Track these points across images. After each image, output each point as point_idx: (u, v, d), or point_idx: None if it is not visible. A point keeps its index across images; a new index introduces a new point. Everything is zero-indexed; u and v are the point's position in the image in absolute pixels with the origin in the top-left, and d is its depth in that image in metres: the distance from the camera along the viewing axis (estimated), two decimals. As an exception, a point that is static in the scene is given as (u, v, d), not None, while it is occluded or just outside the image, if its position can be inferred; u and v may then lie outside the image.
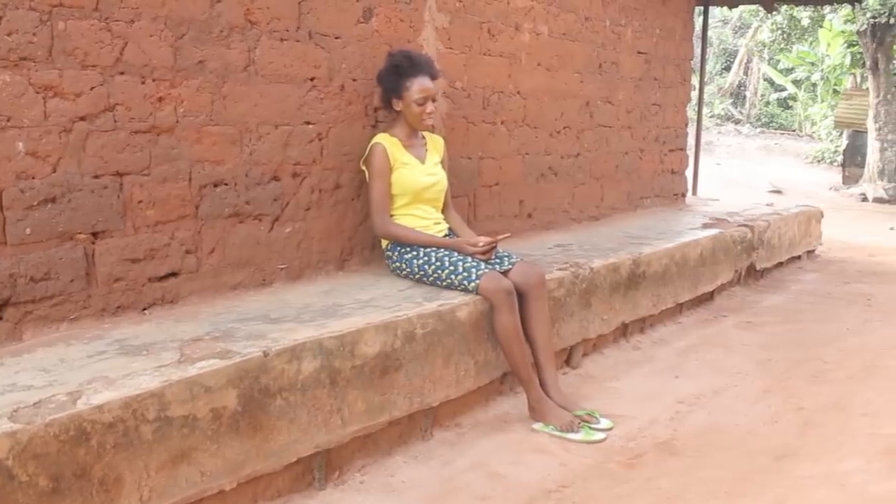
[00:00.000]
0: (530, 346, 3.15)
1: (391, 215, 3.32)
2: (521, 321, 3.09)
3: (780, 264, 6.19)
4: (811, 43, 18.33)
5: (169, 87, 2.74)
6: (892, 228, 9.39)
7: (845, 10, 14.05)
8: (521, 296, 3.12)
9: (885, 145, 12.73)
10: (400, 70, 3.31)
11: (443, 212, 3.50)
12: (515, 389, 3.33)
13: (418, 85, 3.28)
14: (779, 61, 21.27)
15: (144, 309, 2.75)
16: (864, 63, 13.61)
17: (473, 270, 3.08)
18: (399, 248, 3.31)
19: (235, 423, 2.22)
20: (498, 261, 3.24)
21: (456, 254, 3.18)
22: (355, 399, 2.58)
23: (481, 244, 3.18)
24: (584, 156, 5.23)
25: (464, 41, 4.08)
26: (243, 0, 2.95)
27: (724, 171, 14.52)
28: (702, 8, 7.72)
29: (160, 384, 2.05)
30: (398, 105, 3.34)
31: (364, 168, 3.37)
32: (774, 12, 10.17)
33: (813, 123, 19.44)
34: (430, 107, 3.30)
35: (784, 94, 21.73)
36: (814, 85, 20.05)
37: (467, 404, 3.15)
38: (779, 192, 12.97)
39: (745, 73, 23.29)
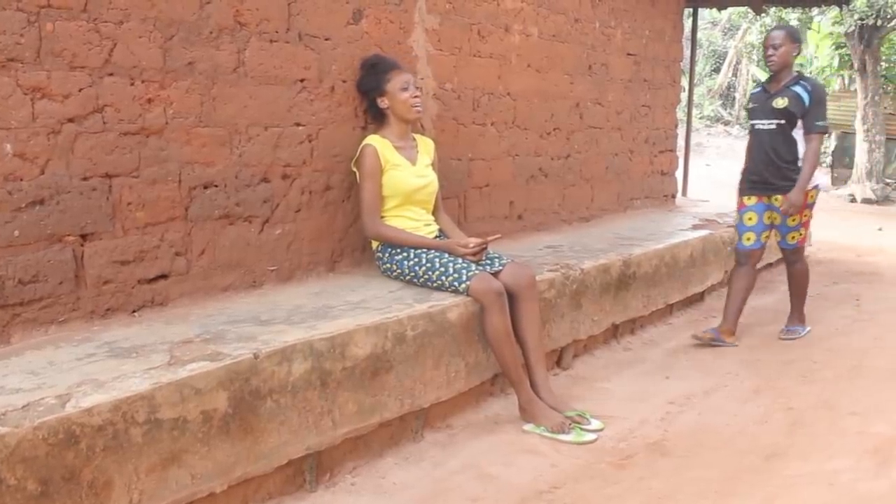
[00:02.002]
0: (521, 348, 3.15)
1: (382, 217, 3.32)
2: (512, 322, 3.10)
3: (770, 265, 6.22)
4: (799, 45, 18.42)
5: (158, 89, 2.73)
6: (880, 229, 9.44)
7: (833, 11, 14.13)
8: (511, 297, 3.13)
9: (873, 146, 12.81)
10: (377, 68, 3.38)
11: (433, 213, 3.50)
12: (506, 391, 3.33)
13: (398, 75, 3.35)
14: (767, 63, 21.36)
15: (134, 311, 2.74)
16: (851, 65, 13.69)
17: (464, 272, 3.08)
18: (389, 250, 3.30)
19: (226, 425, 2.22)
20: (488, 262, 3.24)
21: (446, 255, 3.18)
22: (346, 401, 2.58)
23: (472, 245, 3.19)
24: (574, 157, 5.24)
25: (454, 43, 4.08)
26: (232, 1, 2.95)
27: (714, 173, 14.59)
28: (691, 10, 7.75)
29: (150, 387, 2.04)
30: (384, 102, 3.36)
31: (355, 169, 3.37)
32: (763, 14, 10.21)
33: (801, 125, 19.51)
34: (415, 91, 3.34)
35: (773, 95, 21.81)
36: (802, 86, 20.14)
37: (458, 406, 3.15)
38: (768, 193, 12.97)
39: (735, 75, 23.41)
